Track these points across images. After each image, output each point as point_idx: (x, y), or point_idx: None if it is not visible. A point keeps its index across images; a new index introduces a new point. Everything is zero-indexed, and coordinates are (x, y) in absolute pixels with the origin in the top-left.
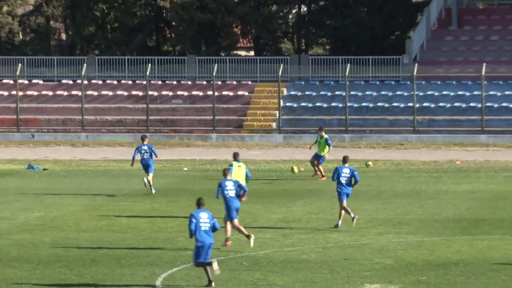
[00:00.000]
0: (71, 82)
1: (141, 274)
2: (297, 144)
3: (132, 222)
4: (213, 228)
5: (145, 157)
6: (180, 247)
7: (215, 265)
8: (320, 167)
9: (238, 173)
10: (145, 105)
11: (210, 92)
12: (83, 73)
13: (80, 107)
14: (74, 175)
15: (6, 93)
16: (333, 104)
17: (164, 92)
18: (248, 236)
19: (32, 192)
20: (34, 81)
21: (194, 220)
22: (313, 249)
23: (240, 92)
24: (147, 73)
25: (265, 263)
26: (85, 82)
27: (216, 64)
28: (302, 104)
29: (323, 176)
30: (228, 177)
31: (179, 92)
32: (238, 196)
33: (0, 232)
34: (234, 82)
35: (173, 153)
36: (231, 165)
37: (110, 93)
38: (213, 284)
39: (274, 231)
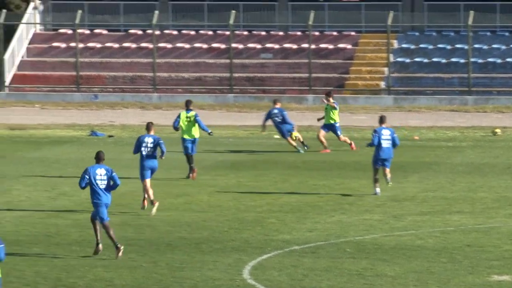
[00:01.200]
0: (140, 32)
1: (225, 261)
2: (410, 108)
3: (214, 199)
4: (114, 184)
5: (276, 123)
6: (271, 229)
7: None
8: (345, 137)
9: (188, 125)
10: (228, 60)
11: (305, 45)
12: (154, 21)
13: (151, 63)
14: None
15: (63, 45)
16: (453, 59)
17: (250, 45)
18: (152, 202)
19: None
20: (97, 30)
21: (86, 176)
22: (430, 234)
23: (341, 45)
24: (231, 22)
25: (372, 249)
26: (157, 32)
27: (313, 11)
28: (416, 59)
29: (351, 144)
30: (152, 133)
31: (268, 45)
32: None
33: (59, 210)
34: (335, 33)
35: (262, 118)
36: (178, 116)
37: (187, 46)
38: (100, 246)
39: (382, 211)
